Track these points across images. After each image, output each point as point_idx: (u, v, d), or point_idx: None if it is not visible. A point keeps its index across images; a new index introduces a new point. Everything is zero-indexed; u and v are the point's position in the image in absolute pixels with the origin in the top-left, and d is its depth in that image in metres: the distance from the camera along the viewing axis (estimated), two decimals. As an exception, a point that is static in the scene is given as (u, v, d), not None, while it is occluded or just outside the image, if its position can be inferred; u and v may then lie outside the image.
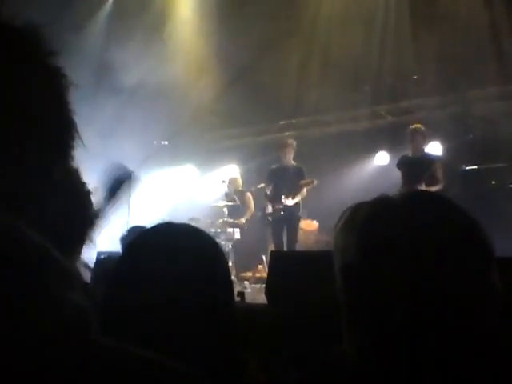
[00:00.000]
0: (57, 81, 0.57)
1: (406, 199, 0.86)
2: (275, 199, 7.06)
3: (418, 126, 6.14)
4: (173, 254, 0.92)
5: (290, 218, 6.98)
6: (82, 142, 0.59)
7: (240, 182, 8.25)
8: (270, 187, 7.22)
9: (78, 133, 0.59)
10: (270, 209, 7.12)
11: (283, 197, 6.90)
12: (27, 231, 0.45)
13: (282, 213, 6.96)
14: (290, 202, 6.94)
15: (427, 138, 6.21)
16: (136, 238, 0.98)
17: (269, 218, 7.10)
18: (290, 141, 7.23)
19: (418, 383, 0.75)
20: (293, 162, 7.10)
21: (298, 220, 7.12)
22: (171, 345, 0.78)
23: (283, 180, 7.01)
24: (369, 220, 0.83)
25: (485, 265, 0.78)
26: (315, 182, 6.88)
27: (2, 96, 0.51)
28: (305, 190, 7.04)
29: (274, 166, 7.28)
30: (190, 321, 0.88)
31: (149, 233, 0.99)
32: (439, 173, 5.84)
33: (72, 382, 0.40)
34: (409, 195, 0.89)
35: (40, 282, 0.42)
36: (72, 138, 0.58)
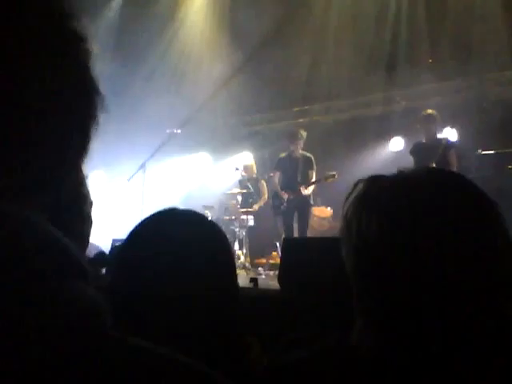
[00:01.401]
0: (77, 44, 0.52)
1: (429, 177, 0.81)
2: (286, 189, 7.09)
3: (429, 111, 6.06)
4: (173, 240, 0.92)
5: (302, 206, 7.00)
6: (107, 108, 0.54)
7: (255, 168, 8.23)
8: (279, 176, 7.24)
9: (102, 98, 0.53)
10: (281, 198, 7.13)
11: (302, 187, 6.90)
12: (38, 222, 0.43)
13: (294, 202, 7.00)
14: (306, 191, 6.97)
15: (439, 123, 6.12)
16: (138, 225, 0.98)
17: (281, 207, 7.13)
18: (303, 132, 7.19)
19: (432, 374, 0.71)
20: (301, 151, 7.12)
21: (309, 208, 7.15)
22: (171, 329, 0.78)
23: (294, 170, 7.02)
24: (393, 196, 0.77)
25: (504, 246, 0.74)
26: (336, 176, 6.78)
27: (13, 62, 0.46)
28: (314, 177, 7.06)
29: (283, 155, 7.27)
30: (191, 306, 0.88)
31: (150, 219, 0.99)
32: (452, 158, 5.78)
33: (83, 378, 0.39)
34: (430, 173, 0.84)
35: (50, 275, 0.41)
36: (95, 106, 0.53)
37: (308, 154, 7.13)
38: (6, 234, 0.41)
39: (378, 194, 0.79)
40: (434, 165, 5.55)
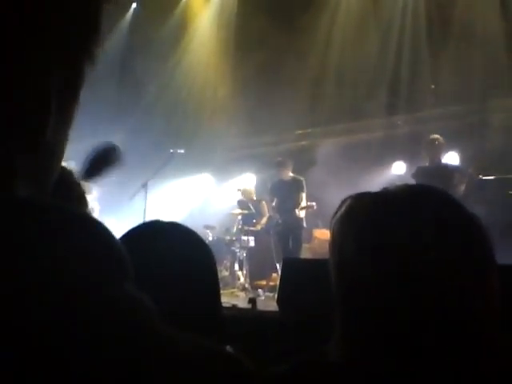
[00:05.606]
0: None
1: (408, 193, 0.81)
2: (280, 213, 7.33)
3: (436, 136, 6.09)
4: (154, 254, 0.92)
5: (294, 229, 7.22)
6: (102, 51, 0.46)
7: (253, 191, 8.33)
8: (275, 201, 7.47)
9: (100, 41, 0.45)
10: (276, 222, 7.43)
11: (296, 210, 7.11)
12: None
13: (287, 225, 7.23)
14: (302, 213, 7.19)
15: (445, 148, 6.15)
16: (121, 238, 0.98)
17: (274, 230, 7.45)
18: (289, 161, 7.45)
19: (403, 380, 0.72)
20: (291, 174, 7.32)
21: (302, 230, 7.35)
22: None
23: (286, 193, 7.23)
24: (369, 213, 0.78)
25: (483, 263, 0.75)
26: (314, 207, 7.10)
27: None
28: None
29: (275, 181, 7.52)
30: (174, 319, 0.88)
31: (133, 233, 1.00)
32: (461, 183, 5.76)
33: (137, 376, 0.37)
34: (411, 189, 0.84)
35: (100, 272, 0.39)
36: (95, 47, 0.46)
37: (298, 177, 7.34)
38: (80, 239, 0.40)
39: (357, 210, 0.80)
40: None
